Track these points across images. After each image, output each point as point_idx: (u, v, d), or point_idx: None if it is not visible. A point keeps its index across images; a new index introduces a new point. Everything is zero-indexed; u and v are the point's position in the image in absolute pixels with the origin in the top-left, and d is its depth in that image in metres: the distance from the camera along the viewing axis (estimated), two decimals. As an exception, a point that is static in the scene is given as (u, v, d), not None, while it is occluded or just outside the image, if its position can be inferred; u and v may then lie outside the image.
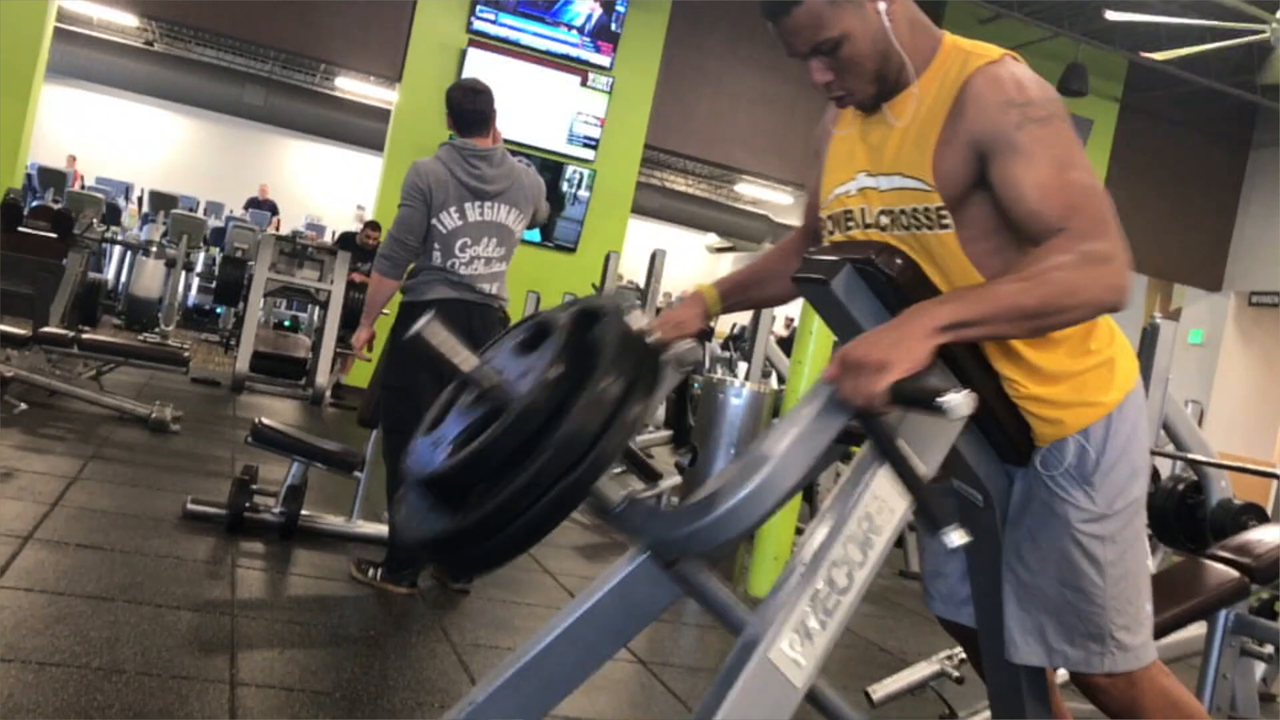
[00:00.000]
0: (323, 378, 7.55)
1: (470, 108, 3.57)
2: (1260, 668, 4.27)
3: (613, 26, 9.58)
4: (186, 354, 5.89)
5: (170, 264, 10.04)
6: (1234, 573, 3.21)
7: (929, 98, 1.53)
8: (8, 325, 5.51)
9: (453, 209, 3.47)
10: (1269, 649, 3.66)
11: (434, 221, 3.46)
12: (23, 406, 4.41)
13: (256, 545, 3.72)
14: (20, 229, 7.12)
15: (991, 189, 1.49)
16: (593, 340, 1.38)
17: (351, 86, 14.23)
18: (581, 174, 9.41)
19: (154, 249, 10.38)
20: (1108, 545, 1.58)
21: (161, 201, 12.31)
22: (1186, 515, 3.96)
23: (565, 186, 9.36)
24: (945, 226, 1.52)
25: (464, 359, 1.39)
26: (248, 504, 3.84)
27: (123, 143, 17.27)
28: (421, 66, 9.16)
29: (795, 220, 14.89)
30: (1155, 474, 4.17)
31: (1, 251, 6.50)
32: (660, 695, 2.97)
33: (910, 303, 1.45)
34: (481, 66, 8.91)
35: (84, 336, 5.65)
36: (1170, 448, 3.79)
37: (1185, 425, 3.93)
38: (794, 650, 1.36)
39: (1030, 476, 1.61)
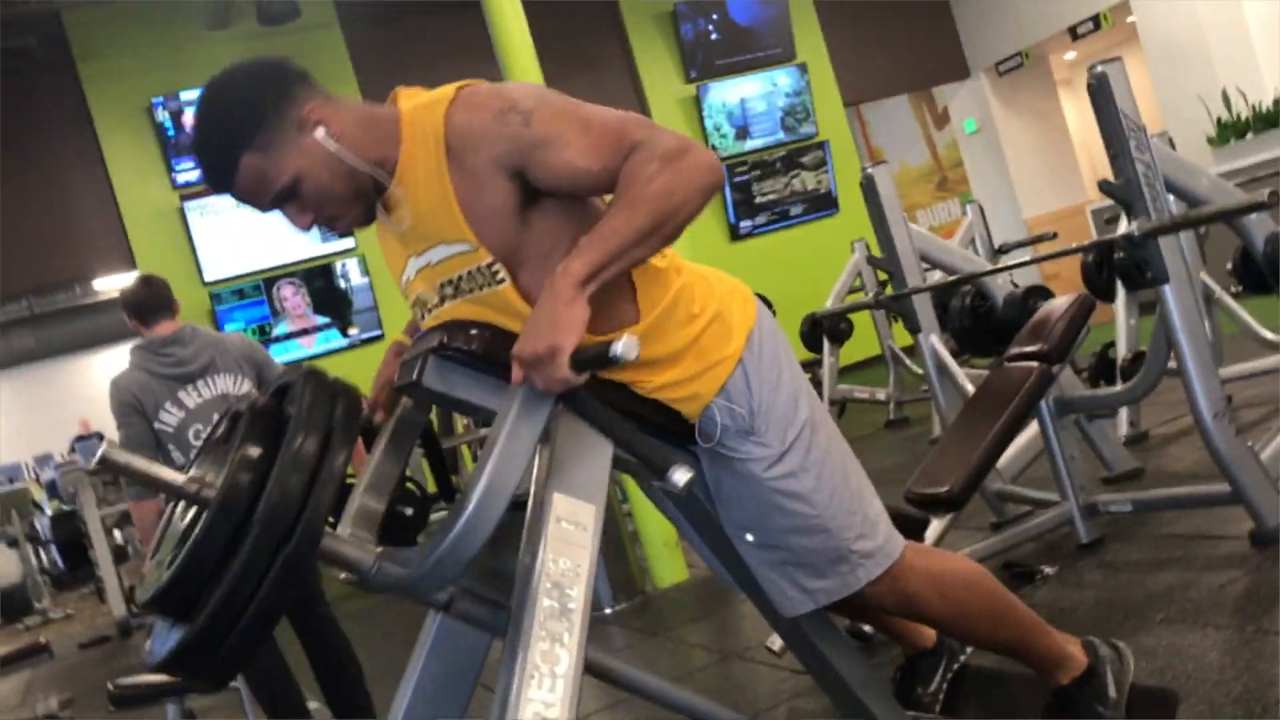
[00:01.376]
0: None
1: (143, 299, 3.43)
2: (1124, 412, 4.40)
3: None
4: (42, 640, 5.63)
5: (13, 544, 9.60)
6: (1032, 365, 3.28)
7: (419, 169, 1.48)
8: None
9: (168, 404, 3.33)
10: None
11: (158, 426, 3.32)
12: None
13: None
14: None
15: (546, 194, 1.46)
16: (286, 408, 1.34)
17: (108, 284, 13.75)
18: (347, 264, 9.22)
19: (-8, 537, 9.94)
20: (802, 477, 1.57)
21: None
22: (984, 324, 4.04)
23: (340, 283, 9.18)
24: (500, 281, 1.49)
25: (158, 471, 1.31)
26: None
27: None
28: (149, 243, 8.89)
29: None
30: (944, 296, 4.24)
31: None
32: None
33: (501, 362, 1.44)
34: (204, 217, 8.67)
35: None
36: (937, 275, 3.86)
37: (937, 248, 4.01)
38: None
39: (705, 452, 1.60)
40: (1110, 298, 4.42)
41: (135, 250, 8.95)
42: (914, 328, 3.79)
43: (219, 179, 1.48)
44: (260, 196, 1.49)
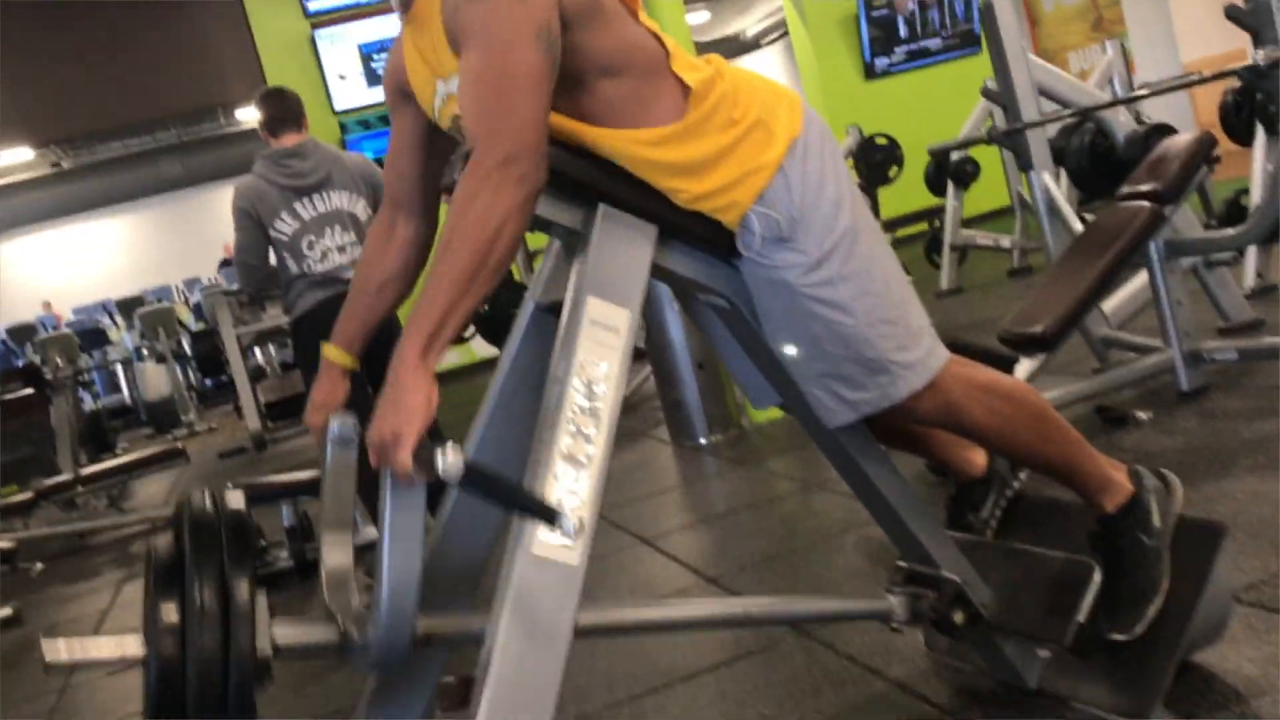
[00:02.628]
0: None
1: (273, 111, 3.53)
2: (1251, 263, 4.21)
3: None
4: (179, 445, 6.03)
5: (161, 359, 10.21)
6: (1144, 204, 3.15)
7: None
8: (13, 495, 5.70)
9: (283, 213, 3.46)
10: (1229, 254, 3.61)
11: (272, 234, 3.46)
12: (39, 566, 4.59)
13: (276, 598, 3.84)
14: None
15: None
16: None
17: (248, 114, 14.12)
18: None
19: (145, 352, 10.59)
20: (839, 286, 1.56)
21: (128, 306, 12.46)
22: (1103, 163, 3.86)
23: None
24: None
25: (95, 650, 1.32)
26: (258, 564, 3.95)
27: (82, 264, 17.39)
28: (281, 71, 9.05)
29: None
30: (1067, 135, 4.06)
31: (-11, 429, 6.71)
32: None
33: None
34: (333, 44, 8.77)
35: (82, 474, 5.81)
36: (1054, 108, 3.68)
37: (1059, 81, 3.80)
38: (558, 534, 1.35)
39: (744, 263, 1.59)
40: (1248, 140, 4.17)
41: (269, 78, 9.12)
42: (1026, 165, 3.65)
43: None
44: None
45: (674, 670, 2.29)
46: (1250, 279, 4.24)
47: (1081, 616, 1.68)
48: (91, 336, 12.33)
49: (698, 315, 1.85)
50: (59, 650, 1.26)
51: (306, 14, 9.00)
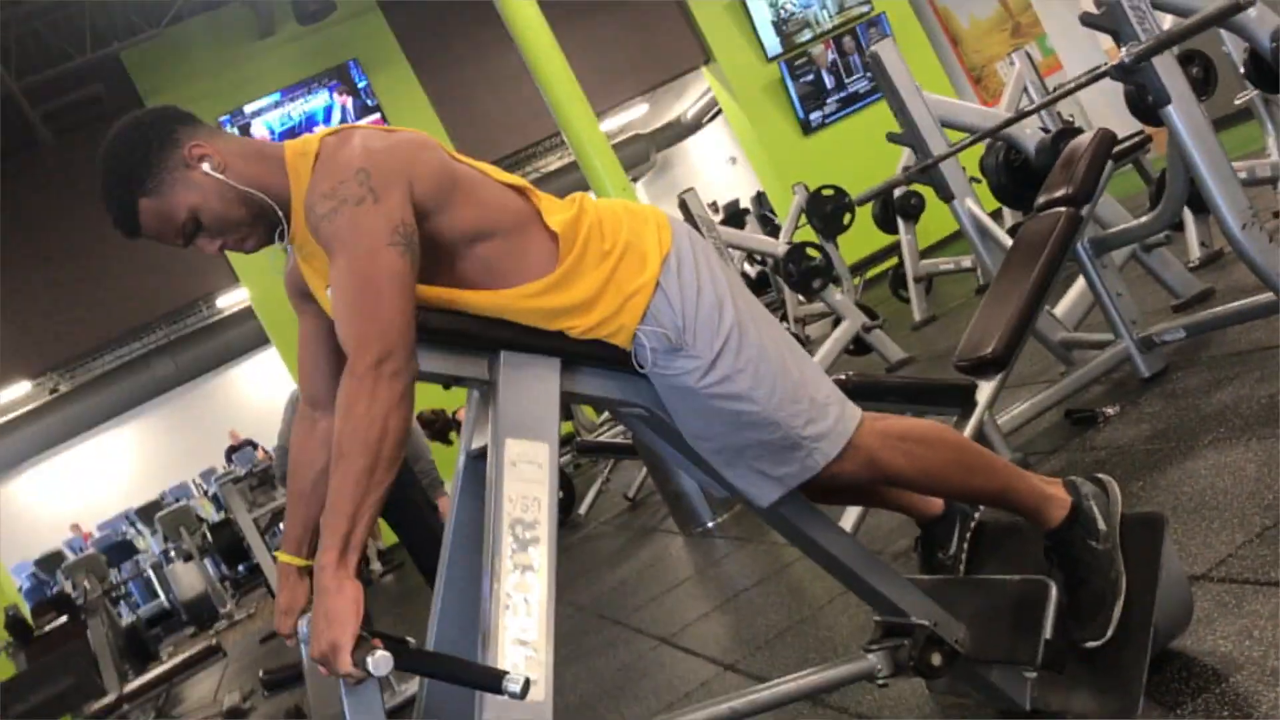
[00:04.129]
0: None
1: None
2: (1193, 235, 4.29)
3: (369, 103, 9.64)
4: (215, 643, 6.07)
5: (188, 558, 10.29)
6: (1060, 210, 3.25)
7: (300, 208, 1.56)
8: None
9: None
10: (1163, 234, 3.69)
11: None
12: (97, 795, 4.62)
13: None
14: (35, 635, 7.39)
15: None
16: None
17: (229, 300, 14.39)
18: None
19: (172, 554, 10.67)
20: (737, 379, 1.64)
21: (148, 511, 12.58)
22: (1021, 177, 3.96)
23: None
24: None
25: None
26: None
27: (99, 480, 17.53)
28: (250, 260, 9.28)
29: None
30: (989, 150, 4.17)
31: (31, 665, 6.77)
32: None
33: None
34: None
35: (125, 692, 5.85)
36: (963, 138, 3.80)
37: (954, 111, 3.93)
38: (519, 671, 1.41)
39: (651, 374, 1.68)
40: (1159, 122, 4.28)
41: (236, 266, 9.37)
42: (946, 196, 3.76)
43: (128, 227, 1.58)
44: (167, 234, 1.58)
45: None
46: (1195, 250, 4.32)
47: (1048, 633, 1.74)
48: (119, 550, 12.44)
49: (632, 426, 1.93)
50: None
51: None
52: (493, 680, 1.31)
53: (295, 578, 1.77)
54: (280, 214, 1.58)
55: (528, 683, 1.29)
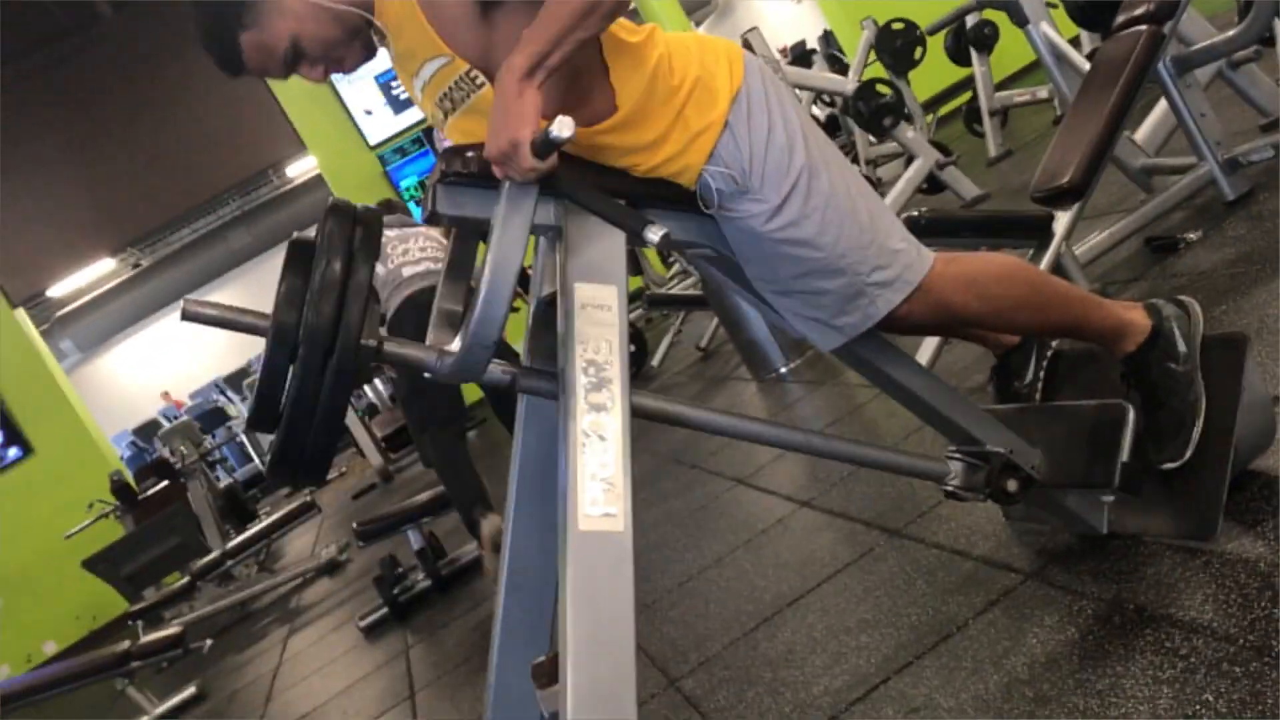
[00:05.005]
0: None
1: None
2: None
3: None
4: (310, 499, 6.33)
5: (278, 422, 10.62)
6: (1140, 29, 3.11)
7: None
8: (171, 582, 6.07)
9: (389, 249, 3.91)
10: (1249, 50, 3.53)
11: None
12: (209, 643, 4.90)
13: (421, 617, 4.05)
14: (139, 499, 7.74)
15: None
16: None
17: (299, 168, 14.48)
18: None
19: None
20: (803, 224, 1.61)
21: (236, 379, 12.96)
22: (1096, -2, 3.78)
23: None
24: (480, 85, 1.58)
25: (236, 315, 1.50)
26: (397, 590, 4.17)
27: (186, 351, 18.06)
28: (313, 125, 9.30)
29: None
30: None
31: (139, 527, 7.13)
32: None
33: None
34: (351, 84, 8.98)
35: (228, 548, 6.14)
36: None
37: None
38: (597, 506, 1.47)
39: (718, 215, 1.66)
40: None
41: (301, 132, 9.37)
42: (1020, 21, 3.62)
43: (231, 64, 1.61)
44: (271, 67, 1.61)
45: (780, 599, 2.39)
46: (1286, 66, 4.12)
47: (1125, 456, 1.73)
48: (211, 417, 12.89)
49: (700, 268, 1.93)
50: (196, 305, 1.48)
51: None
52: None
53: None
54: (374, 23, 1.60)
55: (612, 485, 1.39)
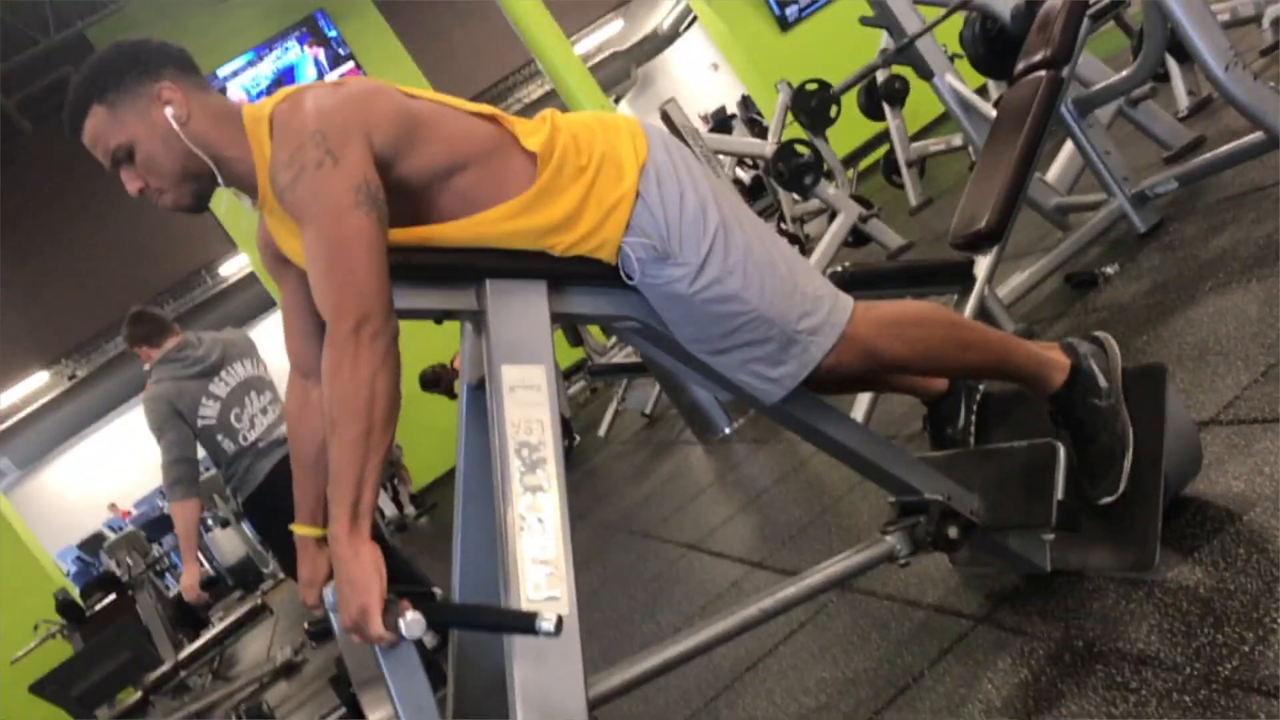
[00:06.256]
0: (389, 508, 7.85)
1: (148, 327, 3.69)
2: (1179, 85, 4.23)
3: (340, 52, 9.55)
4: (262, 602, 6.20)
5: (225, 523, 10.44)
6: (1040, 74, 3.21)
7: (264, 176, 1.55)
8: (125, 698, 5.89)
9: (204, 400, 3.56)
10: (1145, 87, 3.64)
11: (200, 424, 3.55)
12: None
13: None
14: (86, 615, 7.55)
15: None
16: None
17: (230, 267, 14.39)
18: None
19: (210, 521, 10.84)
20: (727, 280, 1.63)
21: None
22: (999, 46, 3.89)
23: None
24: None
25: None
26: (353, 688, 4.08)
27: (128, 459, 17.70)
28: (238, 221, 9.27)
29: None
30: (966, 22, 4.10)
31: (87, 644, 6.93)
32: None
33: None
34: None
35: (180, 658, 5.99)
36: (937, 13, 3.72)
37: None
38: (540, 590, 1.45)
39: (641, 285, 1.68)
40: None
41: (231, 232, 9.35)
42: (925, 74, 3.71)
43: (71, 122, 1.58)
44: (99, 150, 1.59)
45: (739, 664, 2.38)
46: (1183, 100, 4.27)
47: (1059, 494, 1.76)
48: (158, 524, 12.60)
49: (630, 341, 1.94)
50: None
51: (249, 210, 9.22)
52: (525, 623, 1.31)
53: (314, 549, 1.79)
54: (216, 181, 1.58)
55: (560, 620, 1.29)
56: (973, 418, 2.11)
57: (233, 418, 3.57)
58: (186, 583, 3.76)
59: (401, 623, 1.33)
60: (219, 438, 3.55)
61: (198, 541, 3.62)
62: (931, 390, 2.10)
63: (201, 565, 12.54)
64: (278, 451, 3.58)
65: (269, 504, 3.55)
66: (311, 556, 1.79)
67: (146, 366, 3.68)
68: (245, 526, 10.84)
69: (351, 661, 1.67)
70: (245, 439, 3.56)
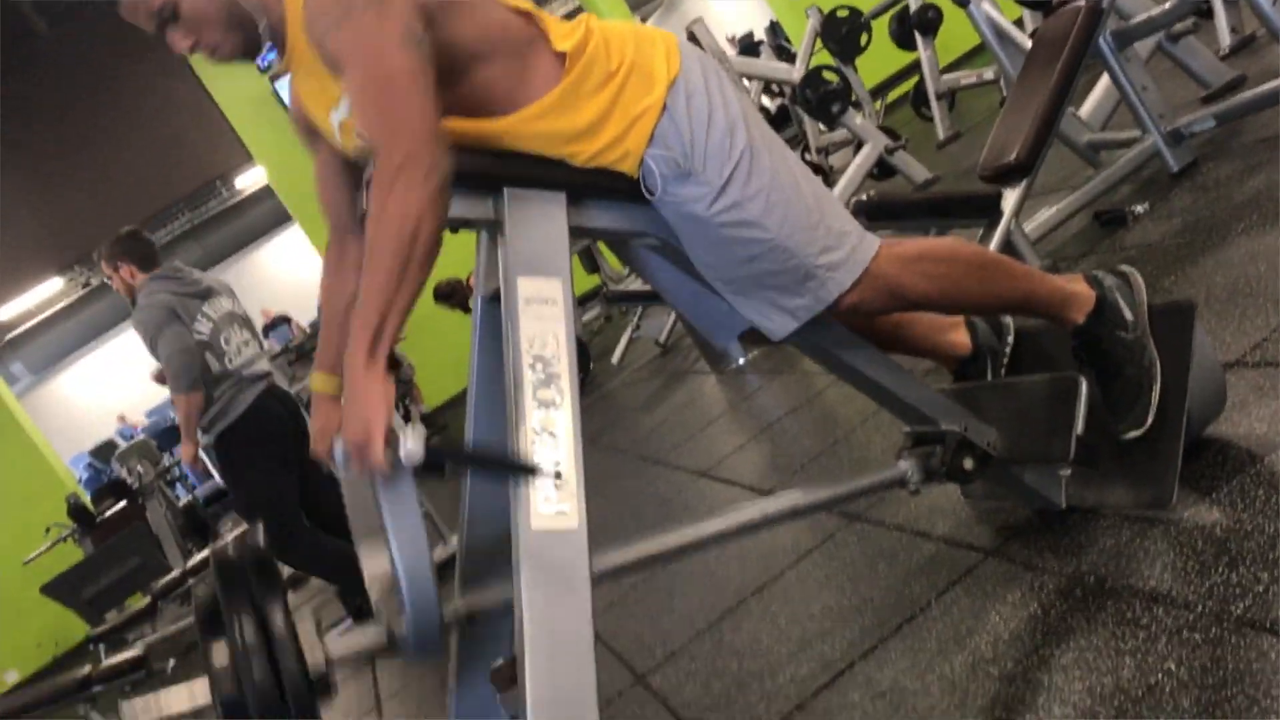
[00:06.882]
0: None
1: (144, 249, 3.75)
2: (1222, 21, 4.13)
3: None
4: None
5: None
6: (1079, 5, 3.12)
7: (299, 27, 1.50)
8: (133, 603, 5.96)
9: (199, 315, 3.62)
10: (1187, 22, 3.55)
11: (195, 336, 3.58)
12: (172, 663, 4.80)
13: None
14: (97, 521, 7.61)
15: None
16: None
17: (248, 180, 14.33)
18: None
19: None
20: (747, 205, 1.59)
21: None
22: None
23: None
24: None
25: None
26: (361, 599, 4.12)
27: (140, 370, 17.81)
28: (256, 131, 9.19)
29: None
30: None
31: (98, 549, 7.01)
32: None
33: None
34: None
35: (188, 566, 6.04)
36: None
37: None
38: (550, 504, 1.44)
39: (656, 203, 1.63)
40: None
41: (245, 139, 9.27)
42: (962, 1, 3.62)
43: None
44: (142, 12, 1.55)
45: (745, 588, 2.37)
46: (1226, 38, 4.16)
47: (1079, 429, 1.73)
48: (169, 434, 12.67)
49: (642, 270, 1.91)
50: (136, 711, 1.39)
51: (261, 70, 9.10)
52: (526, 468, 1.34)
53: (329, 403, 1.78)
54: (263, 31, 1.55)
55: (562, 476, 1.33)
56: (1002, 373, 2.06)
57: (222, 340, 3.63)
58: (186, 454, 3.84)
59: (402, 450, 1.31)
60: (207, 355, 3.60)
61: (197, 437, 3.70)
62: (956, 353, 2.04)
63: (211, 476, 12.67)
64: (258, 385, 3.66)
65: (249, 434, 3.64)
66: (325, 409, 1.79)
67: (121, 285, 3.72)
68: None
69: (353, 511, 1.66)
70: (230, 362, 3.62)
